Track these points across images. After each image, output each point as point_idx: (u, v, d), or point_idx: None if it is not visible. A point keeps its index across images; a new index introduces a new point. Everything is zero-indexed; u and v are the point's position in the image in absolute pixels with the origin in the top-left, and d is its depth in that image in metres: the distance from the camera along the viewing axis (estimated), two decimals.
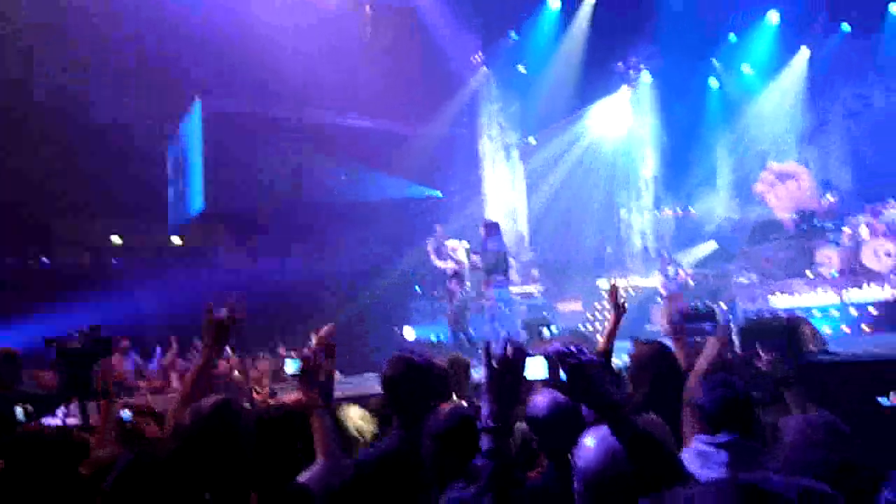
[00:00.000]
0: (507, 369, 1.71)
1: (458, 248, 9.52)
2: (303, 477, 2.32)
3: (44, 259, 16.01)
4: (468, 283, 9.74)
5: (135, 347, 10.74)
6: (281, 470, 2.25)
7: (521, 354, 1.73)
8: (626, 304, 4.49)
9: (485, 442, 1.66)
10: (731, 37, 15.48)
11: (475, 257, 9.09)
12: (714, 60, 15.90)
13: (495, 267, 8.93)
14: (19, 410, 2.99)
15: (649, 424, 2.92)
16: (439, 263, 9.61)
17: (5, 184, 13.26)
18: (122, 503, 1.53)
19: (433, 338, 11.77)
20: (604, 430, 2.19)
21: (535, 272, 14.61)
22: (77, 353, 3.82)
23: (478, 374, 7.23)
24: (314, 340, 2.79)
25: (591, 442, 2.18)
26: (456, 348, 9.32)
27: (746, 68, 15.62)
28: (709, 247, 14.79)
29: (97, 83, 12.27)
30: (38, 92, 12.35)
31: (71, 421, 4.16)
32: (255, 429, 2.20)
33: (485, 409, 1.71)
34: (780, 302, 11.24)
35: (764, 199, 15.24)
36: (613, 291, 4.49)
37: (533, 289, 13.79)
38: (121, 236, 17.16)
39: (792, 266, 12.25)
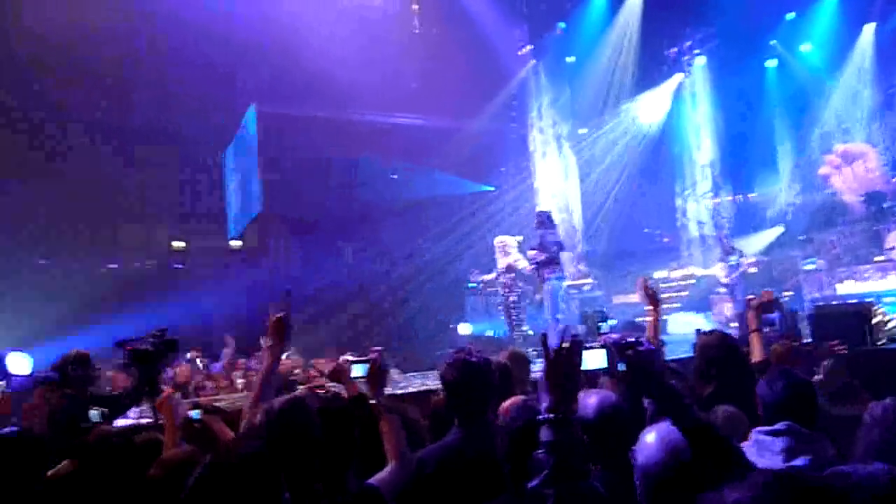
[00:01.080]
0: (565, 360, 1.68)
1: (511, 244, 9.45)
2: (375, 479, 2.34)
3: (111, 264, 16.64)
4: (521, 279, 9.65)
5: (200, 346, 11.06)
6: (342, 459, 2.28)
7: (578, 345, 1.71)
8: (657, 296, 4.38)
9: (545, 434, 1.64)
10: (790, 15, 14.93)
11: (532, 252, 9.01)
12: (773, 41, 15.36)
13: (551, 260, 8.86)
14: (94, 413, 3.11)
15: (725, 416, 2.85)
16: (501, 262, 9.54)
17: (76, 192, 13.86)
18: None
19: (489, 333, 11.75)
20: (665, 425, 2.14)
21: (581, 266, 14.43)
22: (146, 354, 3.96)
23: (537, 367, 7.21)
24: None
25: (651, 438, 2.13)
26: (512, 343, 9.30)
27: (807, 47, 15.03)
28: (774, 232, 14.30)
29: (158, 93, 12.67)
30: (102, 104, 12.81)
31: (143, 421, 4.33)
32: (320, 420, 2.25)
33: (544, 401, 1.69)
34: (849, 289, 10.80)
35: (829, 182, 14.67)
36: (644, 287, 4.40)
37: (585, 282, 13.62)
38: (184, 241, 17.71)
39: (860, 251, 11.76)
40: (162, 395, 3.23)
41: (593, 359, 1.73)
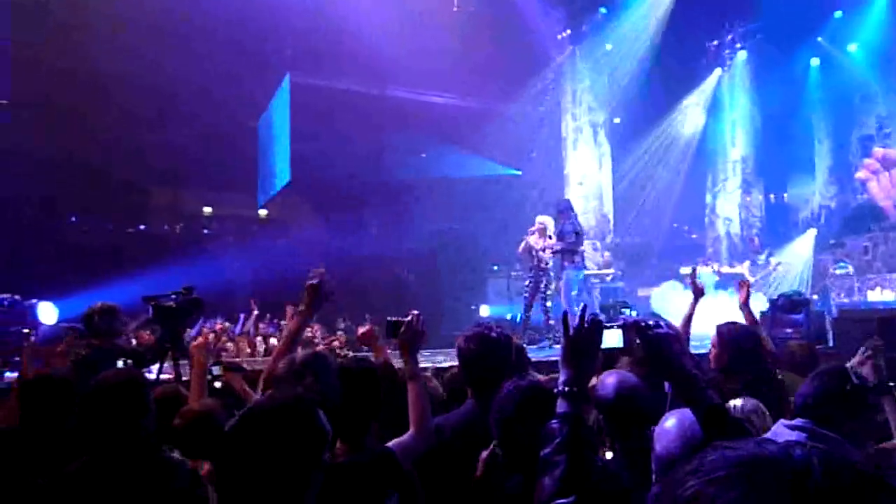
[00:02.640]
0: (584, 337, 1.70)
1: (550, 228, 9.29)
2: (393, 443, 2.37)
3: (141, 226, 16.94)
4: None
5: (221, 311, 11.25)
6: (361, 420, 2.31)
7: (597, 323, 1.73)
8: (703, 288, 4.35)
9: (561, 405, 1.66)
10: (837, 14, 14.56)
11: (551, 241, 8.93)
12: (819, 38, 14.99)
13: (568, 249, 8.80)
14: (121, 364, 3.18)
15: (746, 408, 2.83)
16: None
17: (109, 156, 14.09)
18: (240, 450, 1.54)
19: (508, 317, 11.75)
20: (685, 412, 2.13)
21: (606, 255, 14.33)
22: (172, 311, 4.04)
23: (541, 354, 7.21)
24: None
25: (671, 424, 2.12)
26: (525, 328, 9.27)
27: (853, 47, 14.65)
28: (810, 235, 14.05)
29: (194, 59, 12.74)
30: (137, 68, 12.93)
31: (165, 376, 4.42)
32: (341, 379, 2.28)
33: (562, 376, 1.70)
34: (880, 296, 10.61)
35: (866, 187, 14.36)
36: (694, 274, 4.37)
37: (607, 272, 13.53)
38: (211, 207, 17.95)
39: (893, 259, 11.54)
40: (200, 339, 3.28)
41: (611, 338, 1.75)
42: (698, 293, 4.28)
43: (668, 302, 12.30)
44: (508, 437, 2.20)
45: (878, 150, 14.38)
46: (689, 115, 16.53)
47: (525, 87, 15.42)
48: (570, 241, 8.80)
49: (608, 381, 2.55)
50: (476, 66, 13.64)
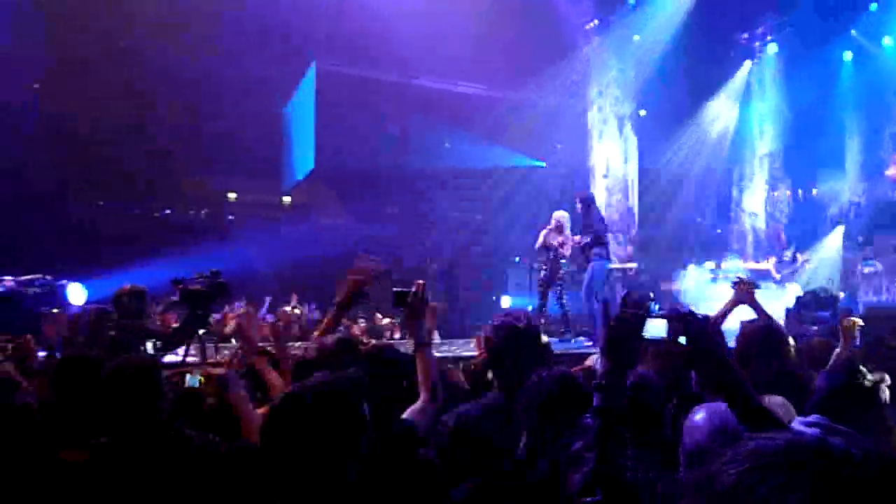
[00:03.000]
0: (626, 326, 1.67)
1: (567, 223, 9.23)
2: (408, 412, 2.39)
3: (167, 210, 17.13)
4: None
5: (244, 296, 11.36)
6: (384, 405, 2.33)
7: (641, 312, 1.69)
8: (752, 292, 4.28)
9: (596, 399, 1.64)
10: (873, 6, 14.24)
11: (577, 238, 8.86)
12: (853, 31, 14.68)
13: (598, 240, 8.72)
14: (150, 345, 3.24)
15: (773, 402, 2.80)
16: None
17: (135, 140, 14.25)
18: (282, 431, 1.55)
19: (529, 308, 11.72)
20: (715, 406, 2.11)
21: (630, 248, 14.23)
22: (199, 294, 4.09)
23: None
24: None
25: (701, 417, 2.10)
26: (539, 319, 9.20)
27: (888, 41, 14.34)
28: (839, 232, 13.83)
29: (222, 45, 12.82)
30: (170, 53, 13.04)
31: (190, 360, 4.48)
32: (367, 364, 2.30)
33: (600, 367, 1.68)
34: None
35: None
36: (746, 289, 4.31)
37: (630, 265, 13.44)
38: (236, 193, 18.10)
39: None
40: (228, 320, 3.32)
41: (655, 327, 1.71)
42: (740, 300, 4.24)
43: (693, 287, 12.28)
44: (536, 425, 2.20)
45: None
46: (721, 108, 16.31)
47: (551, 78, 15.28)
48: (600, 231, 8.75)
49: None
50: (502, 55, 13.56)
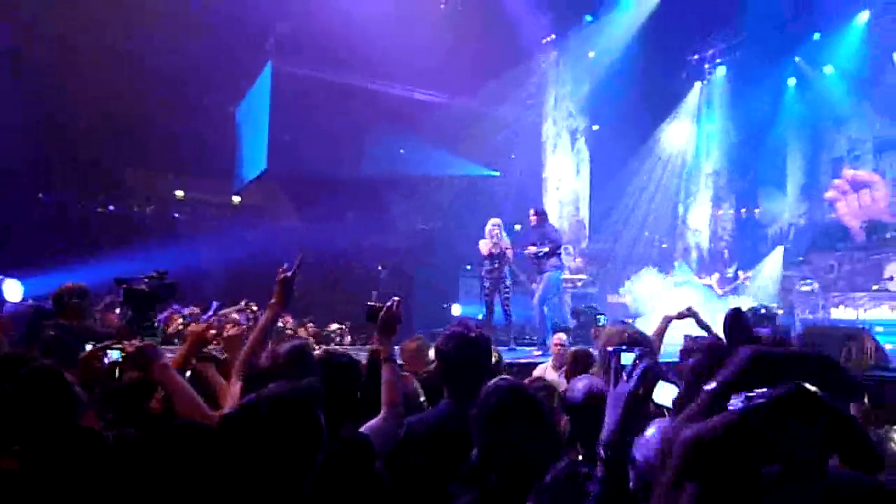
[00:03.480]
0: (635, 389, 1.56)
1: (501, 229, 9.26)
2: (365, 427, 2.37)
3: (111, 206, 16.61)
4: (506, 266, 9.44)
5: (190, 298, 11.08)
6: (339, 412, 2.30)
7: (652, 375, 1.61)
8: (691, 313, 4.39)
9: (599, 470, 1.55)
10: (816, 35, 14.84)
11: (532, 248, 8.91)
12: (797, 58, 15.27)
13: (554, 251, 8.81)
14: (89, 347, 3.12)
15: None
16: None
17: (80, 131, 13.78)
18: (236, 443, 1.51)
19: (480, 317, 11.76)
20: (666, 421, 2.14)
21: (579, 260, 14.46)
22: (144, 294, 3.97)
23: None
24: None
25: (651, 433, 2.13)
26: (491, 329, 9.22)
27: (829, 69, 14.96)
28: (777, 255, 14.32)
29: (178, 37, 12.53)
30: (118, 46, 12.69)
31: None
32: (321, 371, 2.27)
33: (604, 431, 1.58)
34: (843, 314, 10.86)
35: (835, 207, 14.69)
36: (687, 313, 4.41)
37: (580, 277, 13.65)
38: (184, 191, 17.67)
39: (857, 278, 11.82)
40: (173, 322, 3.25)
41: (666, 394, 1.62)
42: (681, 317, 4.33)
43: (646, 288, 12.51)
44: (487, 437, 2.20)
45: (847, 172, 14.71)
46: (671, 126, 16.74)
47: (508, 90, 15.45)
48: (558, 242, 8.84)
49: (578, 385, 2.57)
50: (460, 66, 13.62)
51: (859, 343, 6.86)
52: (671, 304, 9.62)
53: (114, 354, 2.90)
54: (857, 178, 14.47)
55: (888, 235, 12.23)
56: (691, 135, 16.65)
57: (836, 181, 14.83)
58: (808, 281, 12.36)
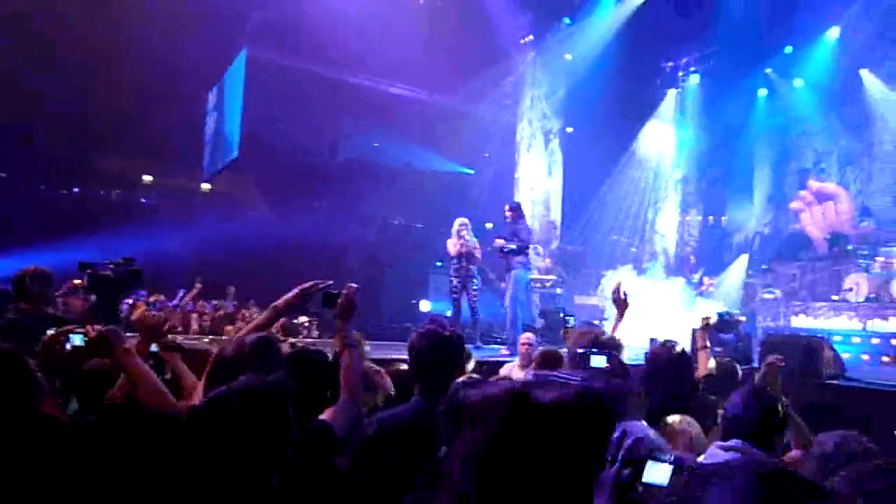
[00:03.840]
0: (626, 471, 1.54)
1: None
2: (325, 414, 2.34)
3: (76, 190, 16.26)
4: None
5: (155, 285, 10.91)
6: (309, 407, 2.28)
7: (641, 458, 1.58)
8: (627, 300, 4.41)
9: None
10: (788, 49, 15.14)
11: (499, 241, 8.92)
12: (768, 70, 15.56)
13: (520, 249, 8.83)
14: (51, 333, 3.04)
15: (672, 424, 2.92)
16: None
17: (45, 113, 13.44)
18: (206, 437, 1.48)
19: (448, 313, 11.76)
20: (634, 424, 2.17)
21: (548, 261, 14.56)
22: (109, 280, 3.88)
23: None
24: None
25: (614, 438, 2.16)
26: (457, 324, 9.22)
27: (799, 82, 15.28)
28: (741, 263, 14.59)
29: (147, 21, 12.28)
30: (88, 30, 12.39)
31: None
32: (290, 366, 2.25)
33: None
34: (802, 323, 11.11)
35: (799, 217, 15.01)
36: (617, 291, 4.44)
37: (548, 278, 13.74)
38: (152, 176, 17.36)
39: (818, 288, 12.10)
40: (137, 309, 3.16)
41: (658, 474, 1.56)
42: (622, 306, 4.34)
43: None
44: (454, 433, 2.19)
45: (812, 184, 15.05)
46: (645, 132, 16.92)
47: (485, 88, 15.47)
48: (526, 241, 8.84)
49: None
50: (438, 62, 13.59)
51: (819, 351, 7.07)
52: (647, 304, 9.76)
53: (76, 339, 2.85)
54: (822, 190, 14.81)
55: (849, 247, 12.53)
56: (663, 141, 16.85)
57: (802, 192, 15.16)
58: (771, 289, 12.61)
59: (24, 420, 2.08)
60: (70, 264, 5.70)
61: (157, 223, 14.48)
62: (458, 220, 8.84)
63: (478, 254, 8.76)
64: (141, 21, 12.35)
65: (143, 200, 17.29)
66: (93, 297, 4.41)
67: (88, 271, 4.02)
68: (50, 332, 3.20)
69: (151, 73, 13.22)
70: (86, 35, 12.38)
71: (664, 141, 16.84)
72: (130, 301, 6.79)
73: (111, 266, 4.17)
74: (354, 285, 2.62)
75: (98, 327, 2.67)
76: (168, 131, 14.84)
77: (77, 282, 5.55)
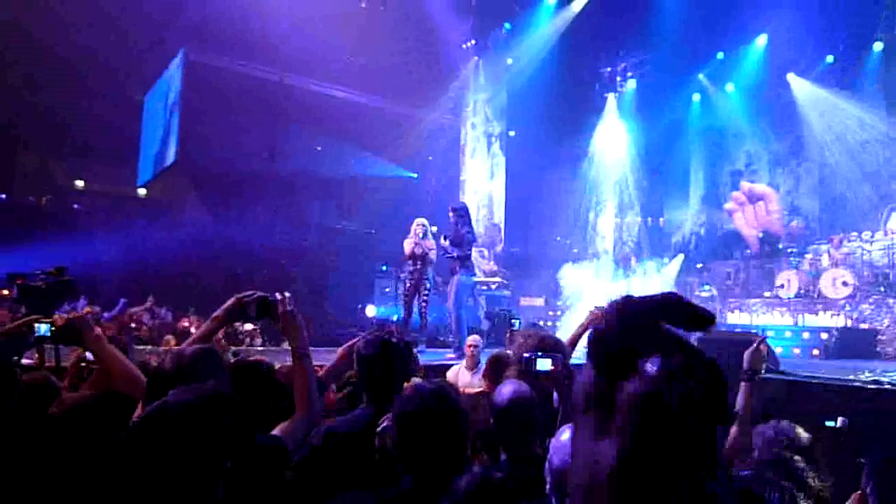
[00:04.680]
0: None
1: (429, 230, 9.24)
2: (278, 429, 2.30)
3: (2, 195, 15.54)
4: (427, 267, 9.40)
5: (89, 294, 10.50)
6: (251, 418, 2.23)
7: None
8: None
9: None
10: (719, 55, 15.67)
11: (445, 242, 8.88)
12: (701, 76, 16.07)
13: (465, 254, 8.82)
14: (14, 323, 2.92)
15: None
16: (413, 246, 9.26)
17: None
18: (147, 449, 1.44)
19: (395, 318, 11.72)
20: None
21: (492, 264, 14.68)
22: (40, 292, 3.71)
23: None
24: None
25: (567, 437, 2.18)
26: (410, 330, 9.18)
27: (730, 87, 15.83)
28: (678, 261, 15.01)
29: (79, 16, 11.84)
30: (19, 20, 11.87)
31: (26, 361, 4.06)
32: (233, 376, 2.20)
33: None
34: (738, 319, 11.50)
35: (732, 218, 15.55)
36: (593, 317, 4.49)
37: (494, 280, 13.85)
38: (85, 181, 16.74)
39: (752, 285, 12.54)
40: (78, 314, 3.04)
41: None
42: (594, 319, 4.41)
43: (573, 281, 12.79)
44: (407, 437, 2.19)
45: (745, 185, 15.62)
46: (584, 135, 17.22)
47: (428, 92, 15.50)
48: (468, 249, 8.79)
49: (504, 389, 2.61)
50: (380, 66, 13.57)
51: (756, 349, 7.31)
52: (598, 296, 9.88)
53: (42, 328, 2.77)
54: (753, 190, 15.39)
55: (780, 245, 13.05)
56: (602, 144, 17.19)
57: (735, 193, 15.72)
58: (707, 287, 13.02)
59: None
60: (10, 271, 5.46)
61: (90, 230, 13.95)
62: (417, 221, 8.77)
63: (433, 255, 8.71)
64: (69, 19, 11.90)
65: (76, 206, 16.65)
66: (23, 309, 4.20)
67: (18, 282, 3.84)
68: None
69: (82, 72, 12.77)
70: (13, 34, 11.87)
71: (603, 144, 17.17)
72: (61, 313, 6.49)
73: (42, 276, 3.99)
74: (280, 295, 2.53)
75: (65, 315, 2.59)
76: (101, 134, 14.36)
77: (5, 292, 5.32)
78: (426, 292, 8.78)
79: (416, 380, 3.44)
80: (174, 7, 12.77)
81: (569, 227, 17.73)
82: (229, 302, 2.57)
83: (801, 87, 14.49)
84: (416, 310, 8.84)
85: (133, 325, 8.93)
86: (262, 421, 2.29)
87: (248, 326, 10.30)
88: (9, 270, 3.86)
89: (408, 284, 8.85)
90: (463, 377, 6.04)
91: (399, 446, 2.25)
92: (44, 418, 2.30)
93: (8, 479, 1.97)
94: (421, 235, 8.66)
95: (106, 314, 9.34)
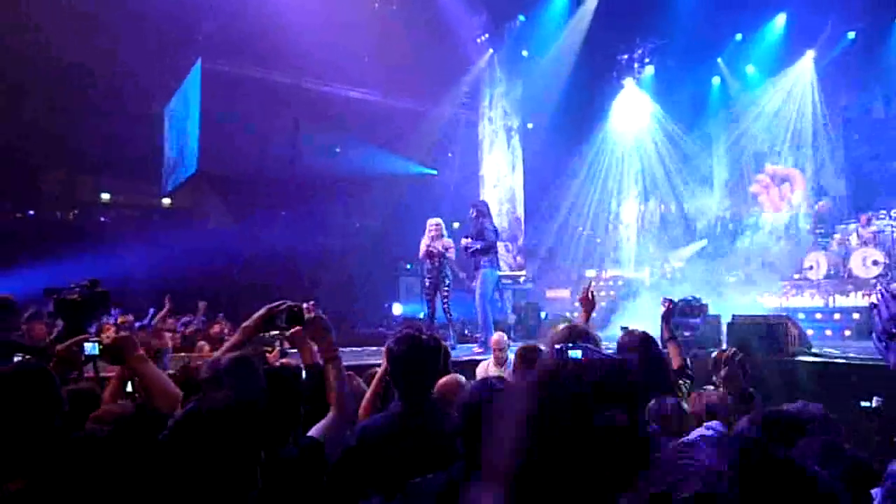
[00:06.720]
0: None
1: (443, 228, 9.25)
2: (314, 429, 2.34)
3: (31, 212, 15.85)
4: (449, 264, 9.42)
5: (120, 305, 10.68)
6: (286, 424, 2.28)
7: None
8: (594, 298, 4.47)
9: None
10: (738, 36, 15.44)
11: (465, 240, 8.93)
12: (719, 59, 15.86)
13: (488, 248, 8.85)
14: (66, 343, 3.01)
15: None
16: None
17: None
18: (182, 452, 1.51)
19: (421, 315, 11.75)
20: None
21: (519, 258, 14.66)
22: (76, 305, 3.79)
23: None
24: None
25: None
26: (435, 328, 9.21)
27: (750, 69, 15.60)
28: (699, 245, 14.87)
29: (99, 34, 12.03)
30: (35, 40, 12.10)
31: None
32: (267, 382, 2.24)
33: None
34: (767, 302, 11.35)
35: (757, 200, 15.35)
36: (585, 292, 4.48)
37: (520, 274, 13.83)
38: (110, 194, 17.02)
39: (780, 268, 12.37)
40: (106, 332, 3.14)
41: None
42: (589, 306, 4.40)
43: None
44: (474, 435, 2.19)
45: (769, 167, 15.41)
46: (604, 124, 17.09)
47: (444, 88, 15.50)
48: (491, 240, 8.84)
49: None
50: (396, 65, 13.59)
51: (784, 329, 7.24)
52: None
53: (91, 348, 2.88)
54: (777, 172, 15.17)
55: (807, 228, 12.85)
56: (623, 132, 17.05)
57: (759, 176, 15.50)
58: (736, 272, 12.87)
59: (46, 437, 2.03)
60: (30, 289, 5.57)
61: (118, 242, 14.19)
62: (431, 221, 8.83)
63: (451, 254, 8.74)
64: (89, 35, 12.09)
65: (103, 219, 16.93)
66: (58, 323, 4.30)
67: (55, 297, 3.93)
68: (17, 358, 3.15)
69: (103, 89, 12.98)
70: (36, 53, 12.09)
71: (624, 133, 17.01)
72: (96, 326, 6.65)
73: (77, 290, 4.07)
74: (306, 304, 2.62)
75: (112, 335, 2.68)
76: (124, 147, 14.59)
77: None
78: (446, 289, 8.82)
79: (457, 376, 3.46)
80: (191, 19, 12.92)
81: (592, 218, 17.63)
82: (260, 312, 2.63)
83: (818, 65, 14.27)
84: (439, 306, 8.90)
85: (167, 332, 9.06)
86: (295, 422, 2.33)
87: (275, 332, 10.39)
88: (44, 285, 3.94)
89: (427, 283, 8.94)
90: (491, 372, 6.05)
91: (466, 445, 2.24)
92: (84, 428, 2.35)
93: (52, 491, 2.01)
94: (435, 235, 8.69)
95: (137, 323, 9.50)
